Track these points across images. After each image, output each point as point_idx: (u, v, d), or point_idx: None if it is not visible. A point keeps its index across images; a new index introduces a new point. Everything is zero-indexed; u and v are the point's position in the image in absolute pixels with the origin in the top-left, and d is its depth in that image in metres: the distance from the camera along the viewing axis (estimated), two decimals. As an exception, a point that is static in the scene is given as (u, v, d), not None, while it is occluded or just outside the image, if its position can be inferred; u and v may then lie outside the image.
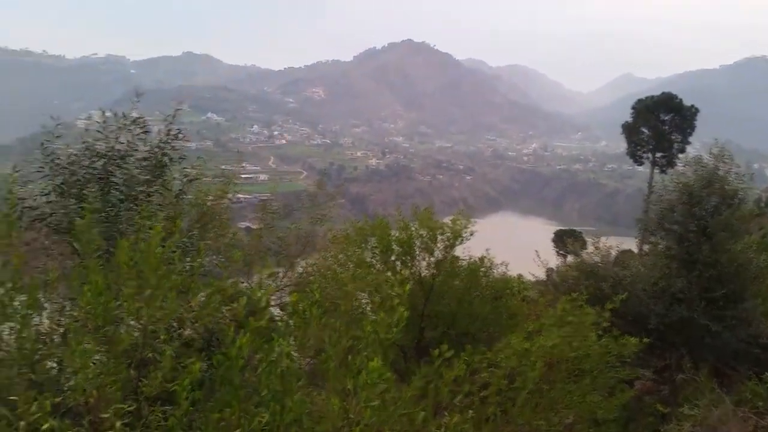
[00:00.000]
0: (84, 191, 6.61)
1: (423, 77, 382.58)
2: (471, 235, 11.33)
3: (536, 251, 16.12)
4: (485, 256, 11.75)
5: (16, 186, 5.92)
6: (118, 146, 7.07)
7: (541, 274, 17.31)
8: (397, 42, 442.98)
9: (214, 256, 7.94)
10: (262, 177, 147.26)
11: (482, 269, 11.54)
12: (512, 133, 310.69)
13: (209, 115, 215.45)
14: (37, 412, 3.24)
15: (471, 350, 4.64)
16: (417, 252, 11.73)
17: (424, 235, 11.61)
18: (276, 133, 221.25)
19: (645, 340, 7.24)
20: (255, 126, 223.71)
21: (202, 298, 4.21)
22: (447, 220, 12.24)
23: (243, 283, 8.51)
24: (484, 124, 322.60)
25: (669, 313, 11.24)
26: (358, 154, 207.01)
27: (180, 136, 7.42)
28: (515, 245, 34.77)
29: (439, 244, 11.75)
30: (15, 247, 4.59)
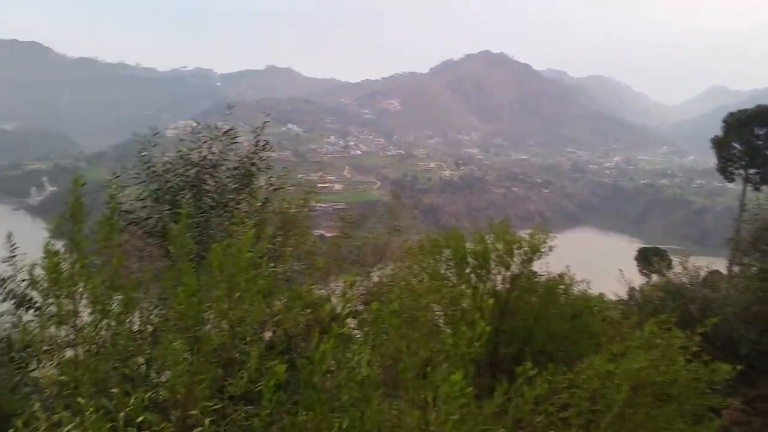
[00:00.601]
0: (177, 197, 7.02)
1: (500, 88, 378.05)
2: (549, 250, 11.06)
3: (620, 270, 15.51)
4: (564, 273, 11.42)
5: (115, 191, 6.37)
6: (210, 156, 7.46)
7: (623, 293, 16.63)
8: (474, 53, 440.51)
9: (295, 263, 8.18)
10: (337, 186, 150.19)
11: (561, 286, 11.21)
12: (593, 146, 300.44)
13: (289, 126, 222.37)
14: (133, 405, 3.44)
15: (553, 369, 4.51)
16: (492, 265, 11.57)
17: (500, 248, 11.44)
18: (351, 143, 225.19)
19: (738, 367, 6.79)
20: (332, 137, 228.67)
21: (284, 303, 4.34)
22: (523, 233, 12.02)
23: (321, 290, 8.71)
24: (564, 137, 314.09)
25: (762, 340, 10.52)
26: (432, 165, 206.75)
27: (267, 147, 7.76)
28: (595, 262, 33.55)
29: (515, 259, 11.54)
30: (115, 249, 4.92)
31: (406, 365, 3.93)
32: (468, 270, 11.42)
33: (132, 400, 3.37)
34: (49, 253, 4.01)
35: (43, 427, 2.99)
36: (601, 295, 12.23)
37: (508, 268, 11.49)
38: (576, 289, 11.54)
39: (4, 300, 7.44)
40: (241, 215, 6.60)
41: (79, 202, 4.15)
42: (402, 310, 4.50)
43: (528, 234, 11.38)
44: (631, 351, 5.88)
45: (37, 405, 3.30)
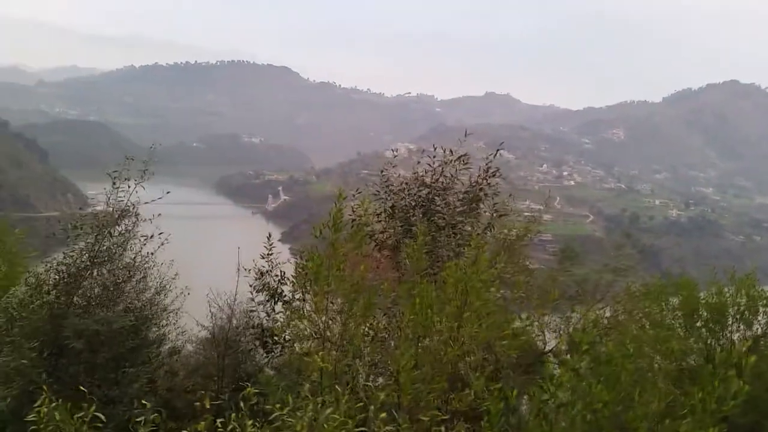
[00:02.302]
0: (408, 215, 7.63)
1: (746, 123, 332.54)
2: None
3: None
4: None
5: (360, 206, 7.25)
6: (441, 179, 7.97)
7: None
8: (717, 83, 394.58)
9: (513, 291, 8.22)
10: (546, 217, 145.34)
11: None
12: None
13: (501, 152, 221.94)
14: (381, 401, 3.81)
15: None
16: (730, 322, 10.32)
17: (742, 303, 10.15)
18: (565, 173, 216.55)
19: None
20: (544, 165, 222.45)
21: (520, 328, 4.43)
22: (771, 290, 10.52)
23: (533, 321, 8.58)
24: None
25: None
26: (657, 202, 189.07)
27: (497, 173, 8.00)
28: None
29: (760, 317, 10.18)
30: (360, 259, 5.49)
31: (637, 414, 3.73)
32: (699, 323, 10.32)
33: (381, 397, 3.71)
34: (313, 256, 4.63)
35: (310, 407, 3.46)
36: None
37: (750, 327, 10.16)
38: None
39: (260, 291, 8.75)
40: (469, 238, 6.87)
41: (341, 213, 4.73)
42: (636, 354, 4.27)
43: (779, 291, 9.93)
44: None
45: (306, 388, 3.82)
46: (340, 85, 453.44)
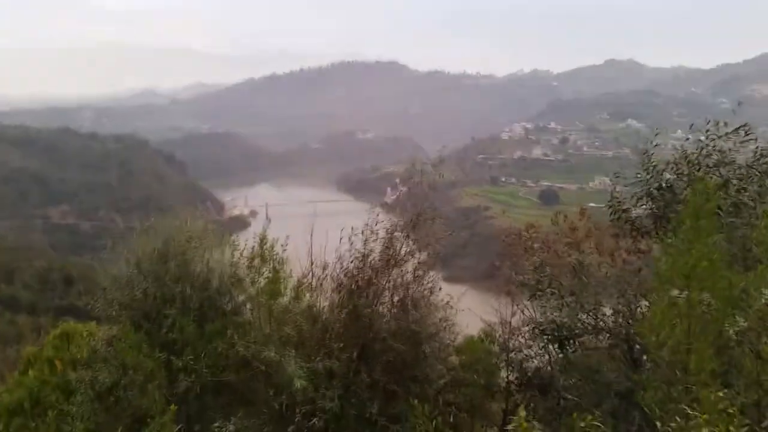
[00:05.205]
0: (673, 194, 7.30)
1: None
2: None
3: None
4: None
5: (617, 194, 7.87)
6: (714, 154, 7.60)
7: None
8: None
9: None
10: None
11: None
12: None
13: (629, 122, 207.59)
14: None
15: None
16: None
17: None
18: (702, 138, 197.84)
19: None
20: (678, 131, 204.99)
21: None
22: None
23: None
24: None
25: None
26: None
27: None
28: None
29: None
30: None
31: None
32: None
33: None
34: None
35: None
36: None
37: None
38: None
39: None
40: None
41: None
42: None
43: None
44: None
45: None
46: (449, 72, 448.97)
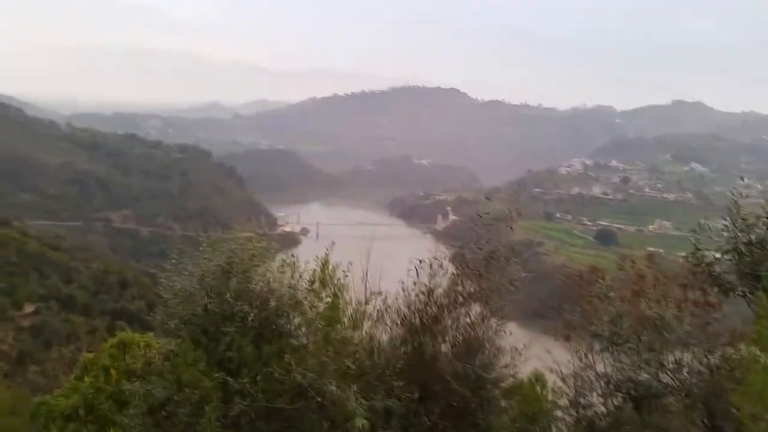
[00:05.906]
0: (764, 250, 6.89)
1: None
2: None
3: None
4: None
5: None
6: None
7: None
8: None
9: None
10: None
11: None
12: None
13: (692, 165, 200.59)
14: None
15: None
16: None
17: None
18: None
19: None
20: (745, 178, 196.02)
21: None
22: None
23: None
24: None
25: None
26: None
27: None
28: None
29: None
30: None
31: None
32: None
33: None
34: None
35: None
36: None
37: None
38: None
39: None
40: None
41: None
42: None
43: None
44: None
45: None
46: (509, 102, 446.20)
